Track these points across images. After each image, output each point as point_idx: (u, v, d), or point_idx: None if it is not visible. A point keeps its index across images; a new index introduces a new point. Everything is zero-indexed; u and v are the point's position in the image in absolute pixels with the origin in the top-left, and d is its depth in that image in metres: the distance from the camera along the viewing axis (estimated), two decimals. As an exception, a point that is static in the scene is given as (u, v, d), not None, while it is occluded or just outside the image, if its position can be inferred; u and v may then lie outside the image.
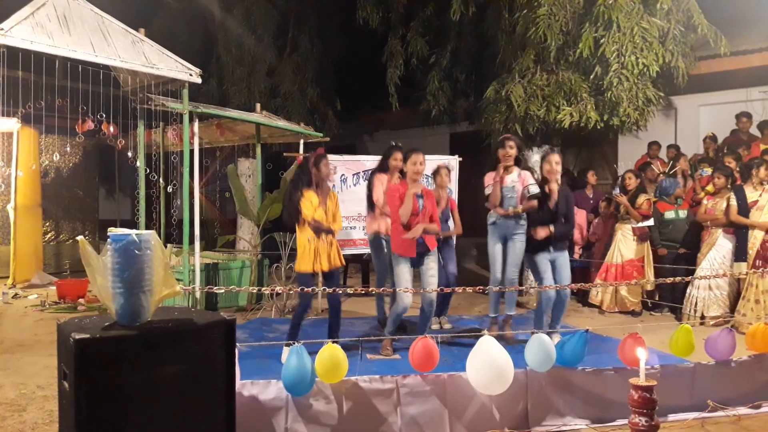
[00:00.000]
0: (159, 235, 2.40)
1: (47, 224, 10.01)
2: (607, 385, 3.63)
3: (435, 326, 5.94)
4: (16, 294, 7.77)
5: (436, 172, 6.03)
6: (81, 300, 7.20)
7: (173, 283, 2.24)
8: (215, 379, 2.17)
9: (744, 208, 6.03)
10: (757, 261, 5.92)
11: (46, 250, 9.70)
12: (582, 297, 7.66)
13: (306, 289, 4.15)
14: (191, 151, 6.23)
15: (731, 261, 6.21)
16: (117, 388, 1.92)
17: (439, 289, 4.54)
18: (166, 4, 12.46)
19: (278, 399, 3.18)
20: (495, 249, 4.89)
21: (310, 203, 4.63)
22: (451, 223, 6.10)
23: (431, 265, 4.71)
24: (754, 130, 7.91)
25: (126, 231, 2.13)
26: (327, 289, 4.34)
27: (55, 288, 7.56)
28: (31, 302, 7.31)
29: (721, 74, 8.35)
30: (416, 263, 4.70)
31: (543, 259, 5.04)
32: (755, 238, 5.98)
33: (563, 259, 5.06)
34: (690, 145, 8.59)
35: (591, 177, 7.96)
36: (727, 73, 8.32)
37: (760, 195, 5.99)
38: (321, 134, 8.34)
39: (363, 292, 4.93)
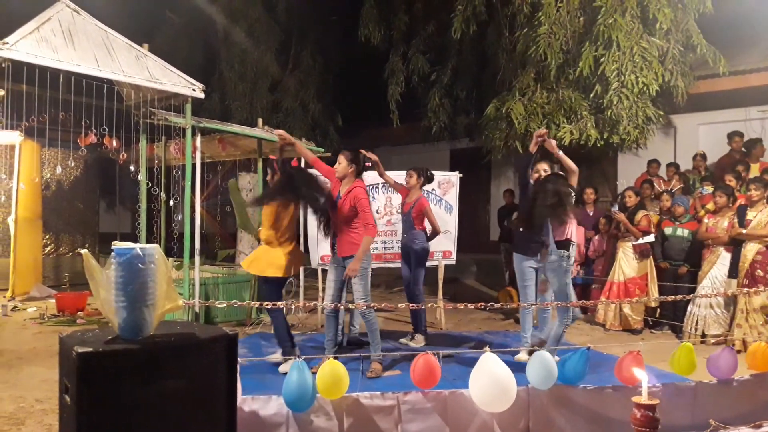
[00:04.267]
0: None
1: (47, 237, 10.01)
2: (608, 403, 3.61)
3: (405, 341, 5.97)
4: (15, 306, 7.74)
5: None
6: (80, 313, 7.17)
7: (176, 298, 2.24)
8: (217, 393, 2.16)
9: (740, 227, 6.06)
10: (745, 279, 5.94)
11: (45, 263, 9.68)
12: (584, 314, 7.66)
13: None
14: (193, 165, 6.25)
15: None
16: (119, 402, 1.91)
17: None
18: (170, 20, 12.58)
19: (279, 415, 3.16)
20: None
21: None
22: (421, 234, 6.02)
23: (352, 279, 4.65)
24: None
25: (130, 245, 2.13)
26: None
27: (54, 301, 7.54)
28: (30, 315, 7.28)
29: (720, 93, 8.42)
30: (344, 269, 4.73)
31: (528, 269, 5.07)
32: (745, 256, 6.00)
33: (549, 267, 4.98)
34: (689, 164, 8.64)
35: (590, 194, 7.99)
36: (725, 92, 8.39)
37: (755, 216, 6.01)
38: (322, 149, 8.38)
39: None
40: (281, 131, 5.02)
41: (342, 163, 4.68)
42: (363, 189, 4.64)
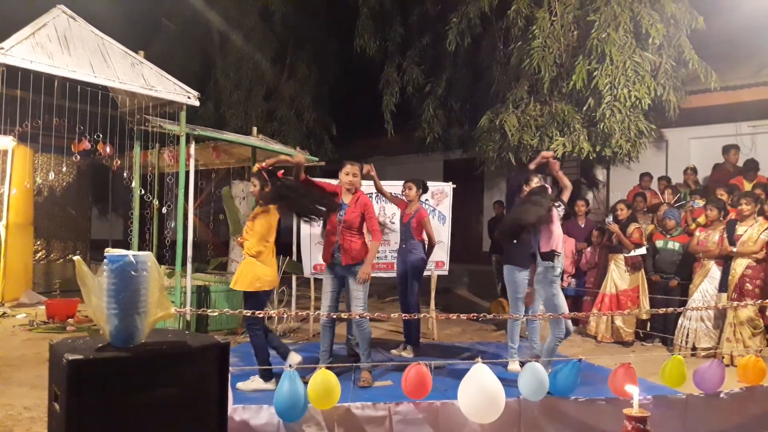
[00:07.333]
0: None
1: (38, 243, 9.95)
2: (599, 415, 3.62)
3: (397, 352, 5.94)
4: (4, 313, 7.68)
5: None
6: (70, 320, 7.12)
7: (168, 305, 2.23)
8: (208, 402, 2.15)
9: (730, 242, 6.11)
10: (734, 293, 5.98)
11: (36, 269, 9.62)
12: (575, 326, 7.67)
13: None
14: (186, 173, 6.24)
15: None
16: (109, 411, 1.89)
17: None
18: (166, 27, 12.59)
19: (270, 424, 3.15)
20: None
21: None
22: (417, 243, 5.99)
23: (354, 286, 4.69)
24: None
25: (122, 252, 2.12)
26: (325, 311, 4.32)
27: (44, 307, 7.48)
28: (20, 321, 7.22)
29: (711, 108, 8.52)
30: (341, 279, 4.77)
31: (522, 278, 5.09)
32: (734, 270, 6.04)
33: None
34: (680, 177, 8.71)
35: (581, 206, 8.03)
36: (717, 107, 8.48)
37: (745, 231, 6.06)
38: (317, 158, 8.39)
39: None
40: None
41: (357, 176, 4.85)
42: (366, 195, 4.88)
